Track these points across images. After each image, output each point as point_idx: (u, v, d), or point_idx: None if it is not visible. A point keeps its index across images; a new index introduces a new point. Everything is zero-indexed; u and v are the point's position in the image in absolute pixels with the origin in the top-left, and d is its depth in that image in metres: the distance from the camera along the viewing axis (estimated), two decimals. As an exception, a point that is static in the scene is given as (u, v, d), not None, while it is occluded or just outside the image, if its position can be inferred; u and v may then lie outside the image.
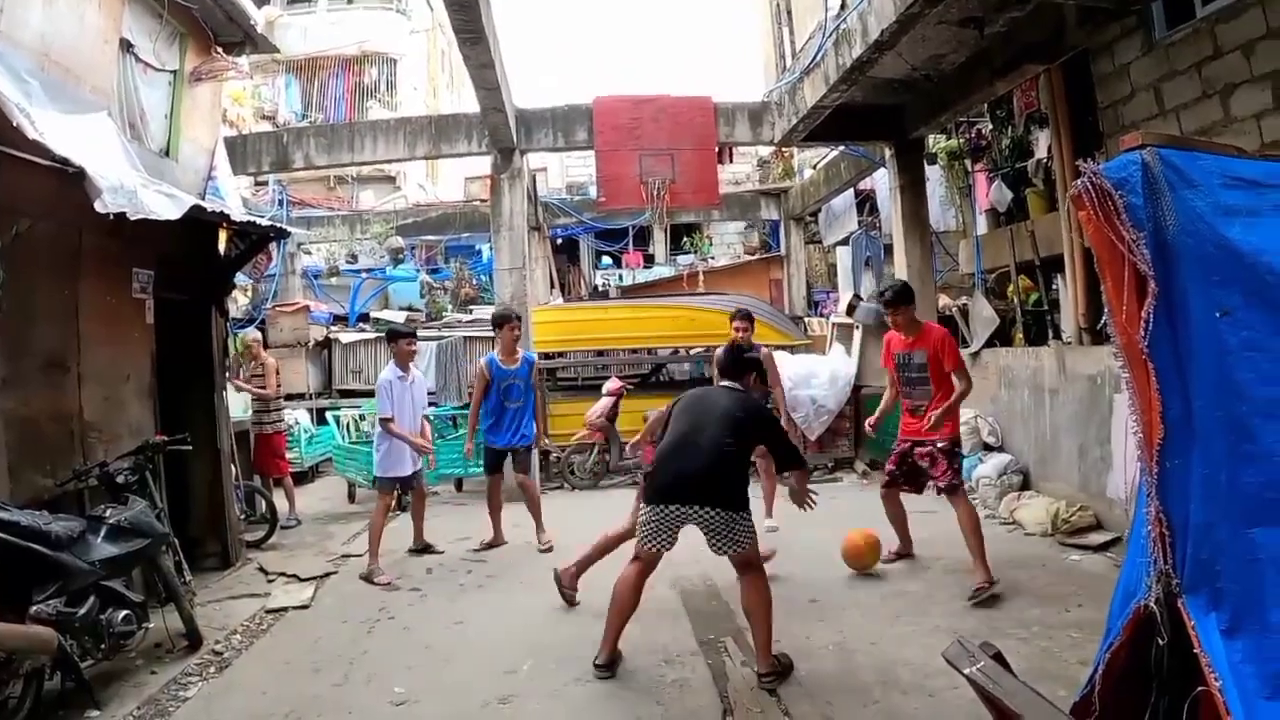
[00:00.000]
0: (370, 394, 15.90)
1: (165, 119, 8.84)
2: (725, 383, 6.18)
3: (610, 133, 13.40)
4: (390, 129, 13.98)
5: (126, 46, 7.98)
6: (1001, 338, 10.79)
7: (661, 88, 19.89)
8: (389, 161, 17.60)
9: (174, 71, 8.88)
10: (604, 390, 12.57)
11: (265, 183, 19.88)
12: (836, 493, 11.44)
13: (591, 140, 13.51)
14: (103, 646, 5.43)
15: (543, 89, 73.90)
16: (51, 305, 6.64)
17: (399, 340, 8.90)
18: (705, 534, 5.56)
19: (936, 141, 13.28)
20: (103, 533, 5.64)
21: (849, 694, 5.11)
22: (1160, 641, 3.00)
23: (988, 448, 10.18)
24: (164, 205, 6.04)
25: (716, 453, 5.60)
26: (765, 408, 6.78)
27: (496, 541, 9.21)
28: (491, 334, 10.35)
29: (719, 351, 6.56)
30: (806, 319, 18.51)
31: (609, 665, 5.70)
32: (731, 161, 23.59)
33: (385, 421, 8.45)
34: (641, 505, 5.89)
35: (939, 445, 7.18)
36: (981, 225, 12.34)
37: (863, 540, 7.65)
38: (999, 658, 3.42)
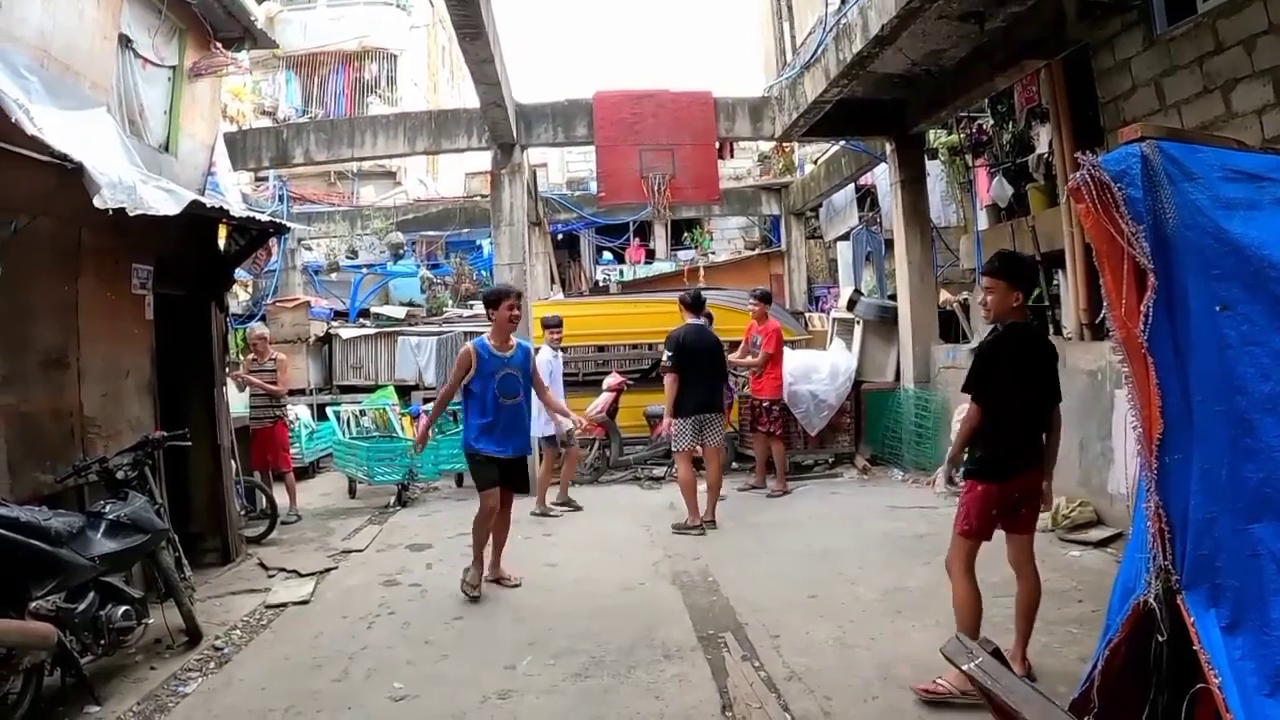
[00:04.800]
0: (370, 390, 16.00)
1: (164, 114, 8.84)
2: (693, 320, 9.69)
3: (610, 128, 13.36)
4: (390, 124, 13.95)
5: (126, 42, 7.97)
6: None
7: (662, 83, 19.81)
8: (389, 157, 17.55)
9: (173, 67, 8.88)
10: (604, 385, 12.57)
11: (265, 178, 19.88)
12: (837, 487, 11.48)
13: (592, 135, 13.47)
14: (102, 642, 5.43)
15: (543, 84, 73.84)
16: (51, 301, 6.64)
17: (549, 329, 11.05)
18: (711, 428, 9.56)
19: (937, 136, 13.27)
20: (102, 528, 5.65)
21: (849, 690, 5.10)
22: (1159, 638, 3.00)
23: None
24: (163, 201, 6.03)
25: (717, 382, 9.74)
26: (719, 341, 9.98)
27: (476, 581, 7.40)
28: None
29: (683, 295, 10.15)
30: (807, 314, 18.51)
31: (702, 524, 9.27)
32: (732, 156, 23.53)
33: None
34: (678, 419, 9.49)
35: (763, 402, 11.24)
36: (982, 220, 12.33)
37: None
38: (997, 654, 3.42)
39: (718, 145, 15.05)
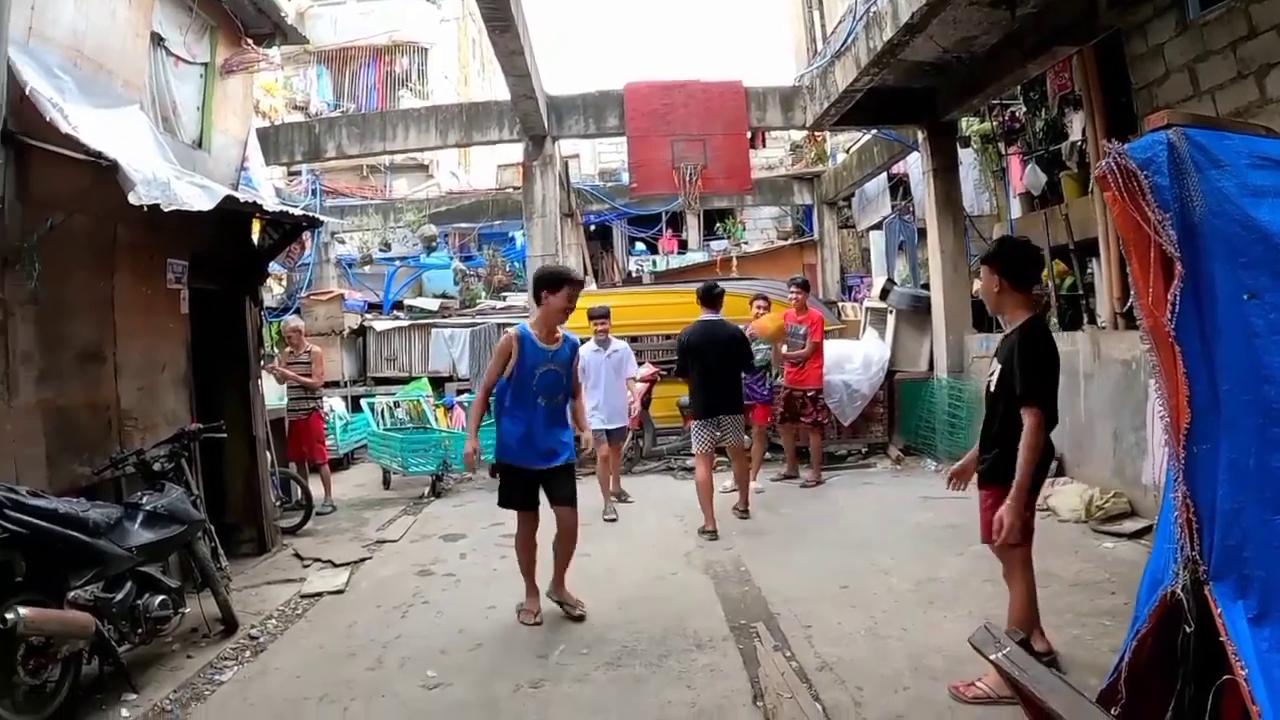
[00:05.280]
0: (404, 381, 16.08)
1: (197, 111, 8.89)
2: (707, 315, 9.12)
3: (641, 119, 13.38)
4: (422, 117, 14.05)
5: (157, 40, 8.03)
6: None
7: (692, 73, 19.82)
8: (421, 150, 17.71)
9: (205, 64, 8.93)
10: (638, 376, 12.56)
11: (298, 173, 20.03)
12: (870, 478, 11.44)
13: (623, 126, 13.51)
14: (139, 631, 5.53)
15: (574, 76, 73.85)
16: (88, 297, 6.73)
17: (593, 320, 10.32)
18: (726, 429, 9.00)
19: (969, 124, 13.18)
20: (139, 519, 5.73)
21: (880, 680, 5.09)
22: (1187, 629, 2.98)
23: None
24: (197, 196, 6.08)
25: (731, 380, 9.05)
26: (741, 333, 9.42)
27: (534, 608, 6.56)
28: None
29: (699, 288, 9.56)
30: (840, 304, 18.43)
31: (715, 531, 8.57)
32: (764, 146, 23.50)
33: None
34: (694, 421, 9.13)
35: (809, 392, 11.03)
36: (1015, 209, 12.26)
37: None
38: (1025, 644, 3.41)
39: (749, 135, 15.03)
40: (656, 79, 13.89)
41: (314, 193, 20.03)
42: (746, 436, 9.90)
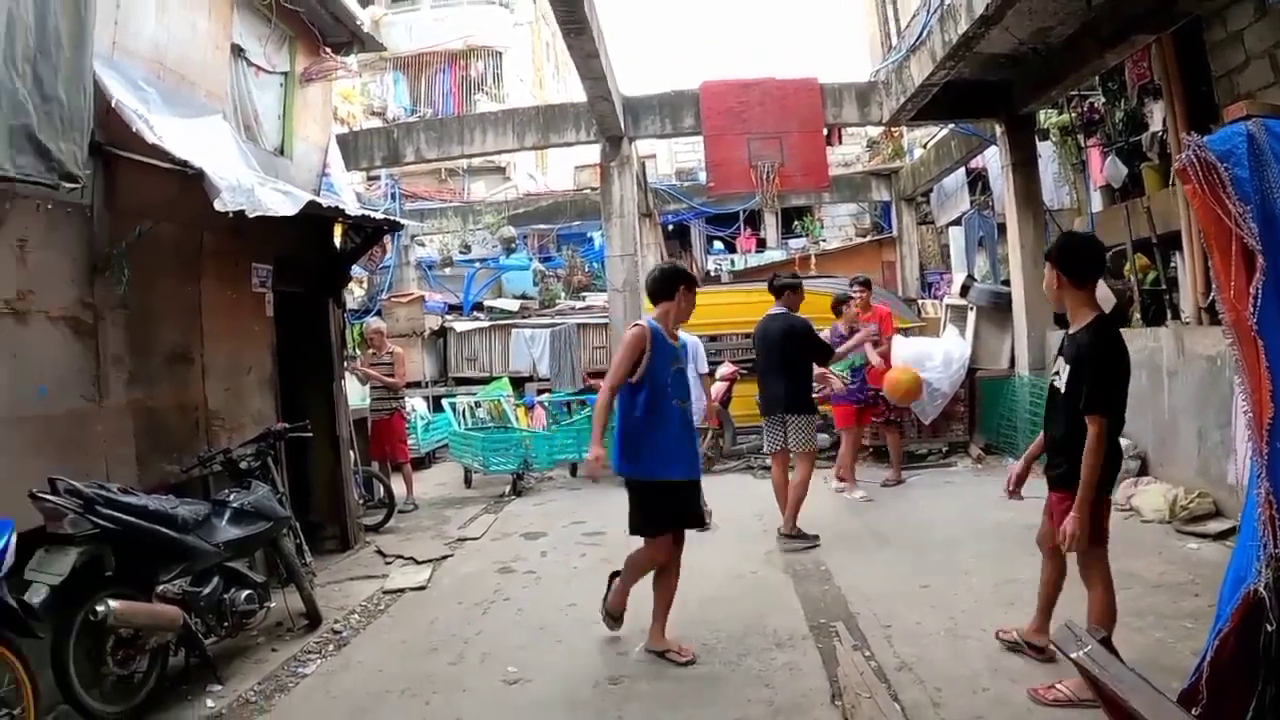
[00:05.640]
0: (485, 381, 16.24)
1: (278, 119, 9.09)
2: (774, 309, 8.62)
3: (717, 118, 13.36)
4: (498, 121, 14.18)
5: (238, 51, 8.22)
6: (1118, 318, 10.49)
7: (766, 70, 19.77)
8: (498, 153, 17.80)
9: (285, 73, 9.12)
10: (718, 375, 12.55)
11: (378, 177, 20.31)
12: (951, 477, 11.29)
13: (699, 126, 13.49)
14: (225, 624, 5.70)
15: (648, 75, 73.88)
16: (175, 301, 6.93)
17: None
18: (790, 431, 8.32)
19: (1048, 117, 12.94)
20: (227, 516, 5.91)
21: (959, 680, 5.04)
22: (1269, 628, 2.92)
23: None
24: (280, 202, 6.22)
25: (784, 376, 8.38)
26: (804, 323, 8.51)
27: (619, 613, 6.12)
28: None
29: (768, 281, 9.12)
30: (920, 301, 18.24)
31: (788, 536, 8.17)
32: (841, 143, 23.34)
33: None
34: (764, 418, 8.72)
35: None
36: (1096, 202, 12.01)
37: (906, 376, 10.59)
38: (1106, 642, 3.36)
39: (825, 131, 14.93)
40: (731, 78, 13.87)
41: (393, 197, 20.30)
42: (824, 435, 9.64)
